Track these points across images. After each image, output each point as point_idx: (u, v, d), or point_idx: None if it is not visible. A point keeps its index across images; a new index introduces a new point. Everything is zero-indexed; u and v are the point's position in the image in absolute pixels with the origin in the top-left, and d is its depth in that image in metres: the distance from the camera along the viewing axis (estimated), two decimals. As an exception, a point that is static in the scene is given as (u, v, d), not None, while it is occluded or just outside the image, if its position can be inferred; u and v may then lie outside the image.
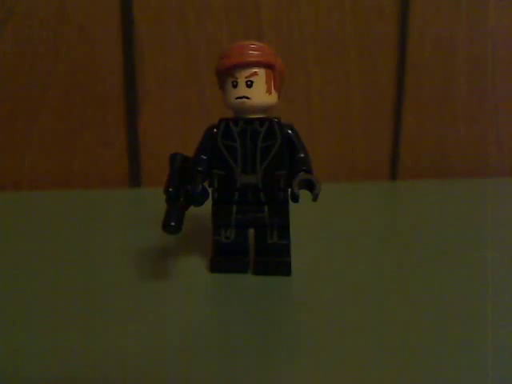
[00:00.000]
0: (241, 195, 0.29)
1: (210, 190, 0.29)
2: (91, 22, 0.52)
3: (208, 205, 0.29)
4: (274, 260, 0.29)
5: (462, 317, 0.25)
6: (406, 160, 0.60)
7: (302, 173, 0.28)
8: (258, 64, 0.27)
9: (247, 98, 0.27)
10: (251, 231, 0.30)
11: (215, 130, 0.29)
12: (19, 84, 0.52)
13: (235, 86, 0.28)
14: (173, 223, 0.25)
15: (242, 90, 0.27)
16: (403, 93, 0.58)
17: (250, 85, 0.27)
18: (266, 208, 0.29)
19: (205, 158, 0.29)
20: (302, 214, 0.31)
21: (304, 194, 0.27)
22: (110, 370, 0.20)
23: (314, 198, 0.27)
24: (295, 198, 0.27)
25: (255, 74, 0.27)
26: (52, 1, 0.51)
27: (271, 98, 0.28)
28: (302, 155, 0.28)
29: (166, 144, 0.54)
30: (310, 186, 0.27)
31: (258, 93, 0.28)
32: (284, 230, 0.29)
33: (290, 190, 0.28)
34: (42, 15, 0.51)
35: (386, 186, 0.59)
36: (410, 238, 0.37)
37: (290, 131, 0.29)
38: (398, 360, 0.21)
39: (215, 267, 0.30)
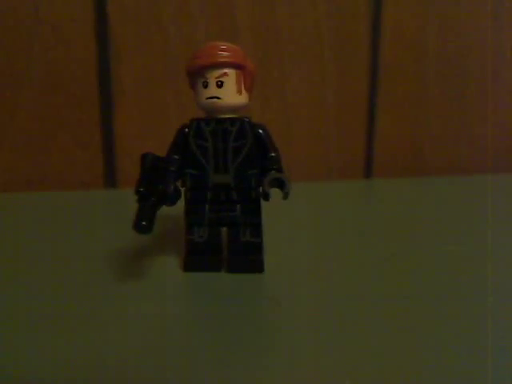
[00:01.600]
0: (213, 194, 0.29)
1: (182, 190, 0.29)
2: (65, 21, 0.52)
3: (180, 204, 0.29)
4: (247, 258, 0.30)
5: (430, 311, 0.25)
6: (380, 158, 0.61)
7: (273, 171, 0.28)
8: (227, 64, 0.27)
9: (218, 98, 0.28)
10: (224, 230, 0.30)
11: (187, 129, 0.29)
12: (-8, 85, 0.52)
13: (206, 86, 0.28)
14: (144, 223, 0.25)
15: (212, 90, 0.28)
16: (377, 92, 0.59)
17: (220, 85, 0.28)
18: (238, 207, 0.29)
19: (177, 157, 0.29)
20: (277, 213, 0.32)
21: (277, 193, 0.28)
22: (84, 370, 0.20)
23: (284, 197, 0.27)
24: (266, 197, 0.28)
25: (225, 74, 0.28)
26: (26, 1, 0.51)
27: (242, 98, 0.29)
28: (273, 154, 0.29)
29: (142, 144, 0.54)
30: (281, 184, 0.27)
31: (229, 93, 0.28)
32: (256, 228, 0.29)
33: (261, 188, 0.28)
34: (16, 15, 0.51)
35: (361, 185, 0.60)
36: (384, 236, 0.38)
37: (260, 131, 0.29)
38: (373, 355, 0.21)
39: (189, 266, 0.30)
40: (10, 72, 0.52)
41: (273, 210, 0.30)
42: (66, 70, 0.53)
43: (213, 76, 0.28)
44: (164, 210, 0.28)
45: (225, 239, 0.31)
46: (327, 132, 0.59)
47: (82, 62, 0.53)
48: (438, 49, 0.60)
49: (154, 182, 0.27)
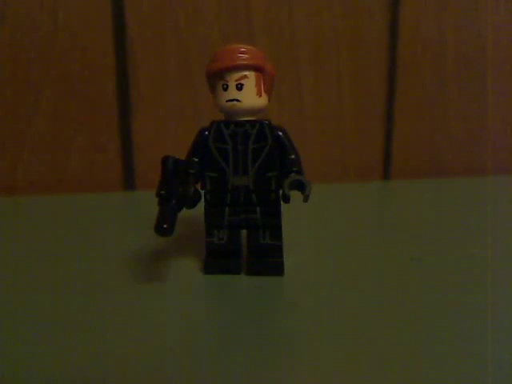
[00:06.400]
0: (233, 197, 0.29)
1: (201, 192, 0.29)
2: (84, 27, 0.52)
3: (201, 207, 0.29)
4: (267, 260, 0.30)
5: (456, 315, 0.25)
6: (398, 160, 0.60)
7: (293, 174, 0.28)
8: (247, 67, 0.28)
9: (238, 100, 0.28)
10: (244, 232, 0.30)
11: (206, 132, 0.29)
12: (12, 89, 0.53)
13: (225, 88, 0.28)
14: (165, 225, 0.25)
15: (232, 92, 0.28)
16: (394, 93, 0.59)
17: (240, 88, 0.28)
18: (258, 209, 0.29)
19: (196, 160, 0.29)
20: (295, 214, 0.32)
21: (296, 195, 0.28)
22: (107, 371, 0.20)
23: (305, 199, 0.27)
24: (286, 199, 0.28)
25: (245, 76, 0.28)
26: (45, 7, 0.51)
27: (261, 101, 0.28)
28: (293, 156, 0.29)
29: (160, 147, 0.55)
30: (301, 186, 0.27)
31: (249, 95, 0.28)
32: (276, 230, 0.29)
33: (281, 190, 0.28)
34: (35, 21, 0.51)
35: (379, 186, 0.59)
36: (403, 238, 0.38)
37: (280, 133, 0.29)
38: (391, 359, 0.21)
39: (209, 269, 0.30)
40: (28, 77, 0.53)
41: (290, 211, 0.30)
42: (85, 74, 0.53)
43: (233, 79, 0.28)
44: (185, 212, 0.28)
45: (245, 242, 0.30)
46: (344, 133, 0.59)
47: (100, 66, 0.53)
48: (455, 48, 0.59)
49: (174, 185, 0.27)
